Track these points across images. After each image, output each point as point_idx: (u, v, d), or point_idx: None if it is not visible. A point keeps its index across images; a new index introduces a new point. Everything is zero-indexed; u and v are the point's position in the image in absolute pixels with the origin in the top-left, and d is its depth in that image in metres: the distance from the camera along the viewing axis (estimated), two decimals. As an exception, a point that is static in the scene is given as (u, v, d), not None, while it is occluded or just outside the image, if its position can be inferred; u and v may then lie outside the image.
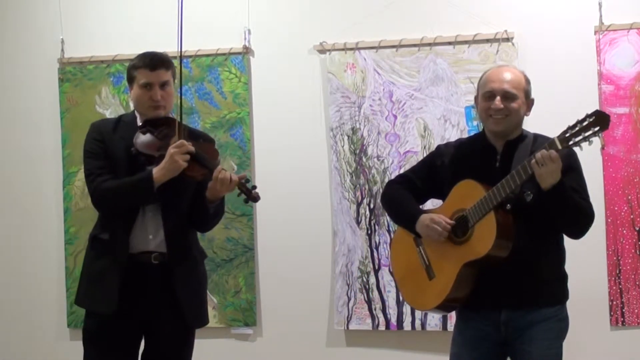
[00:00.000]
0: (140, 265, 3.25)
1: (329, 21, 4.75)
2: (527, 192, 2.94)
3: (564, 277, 3.12)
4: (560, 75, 4.43)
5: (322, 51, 4.73)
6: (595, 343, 4.40)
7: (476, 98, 3.18)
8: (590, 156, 4.33)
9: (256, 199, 3.20)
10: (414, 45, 4.60)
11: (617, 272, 4.38)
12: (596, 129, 2.78)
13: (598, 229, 4.32)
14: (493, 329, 3.05)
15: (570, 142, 2.81)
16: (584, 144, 2.82)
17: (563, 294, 3.11)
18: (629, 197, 4.38)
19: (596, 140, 4.37)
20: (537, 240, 3.00)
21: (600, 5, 4.39)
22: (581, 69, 4.42)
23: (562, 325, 3.07)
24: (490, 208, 2.95)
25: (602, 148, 4.36)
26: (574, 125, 2.81)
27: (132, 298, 3.23)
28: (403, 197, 3.24)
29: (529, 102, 3.11)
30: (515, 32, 4.47)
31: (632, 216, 4.37)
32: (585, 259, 4.27)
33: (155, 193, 3.19)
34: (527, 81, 3.11)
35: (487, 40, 4.50)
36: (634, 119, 4.37)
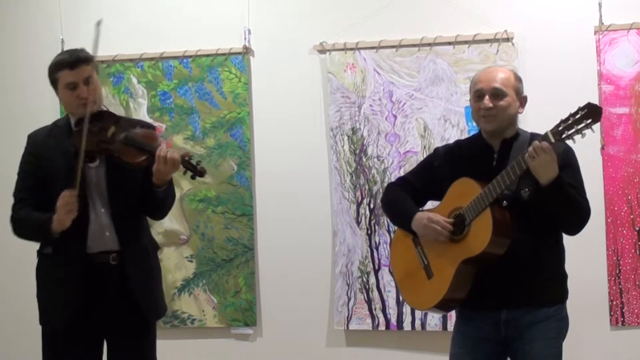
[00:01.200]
0: (98, 267, 3.23)
1: (329, 21, 4.75)
2: (524, 189, 2.95)
3: (564, 276, 3.12)
4: (560, 75, 4.44)
5: (322, 51, 4.73)
6: (595, 343, 4.40)
7: (470, 101, 3.19)
8: (590, 156, 4.36)
9: (202, 173, 3.17)
10: (414, 45, 4.60)
11: (617, 272, 4.38)
12: (588, 121, 2.78)
13: (598, 229, 4.33)
14: (493, 329, 3.05)
15: (563, 135, 2.82)
16: (577, 137, 2.82)
17: (563, 294, 3.11)
18: (629, 197, 4.38)
19: (596, 140, 4.40)
20: (536, 238, 3.00)
21: (600, 5, 4.39)
22: (581, 69, 4.42)
23: (562, 324, 3.07)
24: (486, 205, 2.96)
25: (602, 148, 4.36)
26: (567, 119, 2.82)
27: (91, 303, 3.21)
28: (400, 197, 3.25)
29: (521, 100, 3.11)
30: (515, 32, 4.47)
31: (632, 216, 4.37)
32: (585, 259, 4.27)
33: (53, 238, 3.17)
34: (518, 79, 3.11)
35: (487, 40, 4.50)
36: (634, 119, 4.37)
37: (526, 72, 4.40)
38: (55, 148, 3.28)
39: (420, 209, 3.26)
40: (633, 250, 4.37)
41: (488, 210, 2.95)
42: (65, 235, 3.20)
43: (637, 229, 4.37)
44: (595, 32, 4.41)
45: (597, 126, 4.36)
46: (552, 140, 2.83)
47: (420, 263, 3.17)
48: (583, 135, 2.81)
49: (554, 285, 3.07)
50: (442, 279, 3.06)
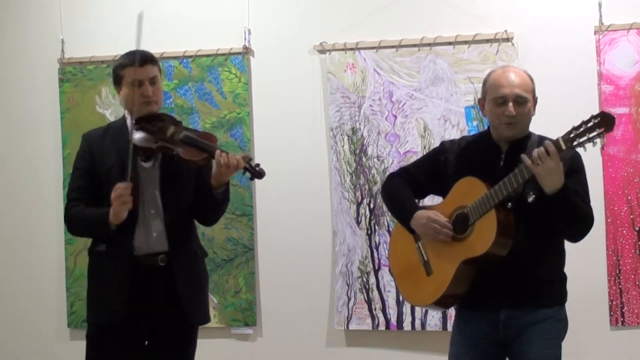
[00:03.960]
0: (146, 268, 3.23)
1: (329, 21, 4.75)
2: (530, 192, 2.94)
3: (563, 278, 3.11)
4: (560, 75, 4.43)
5: (322, 51, 4.73)
6: (595, 343, 4.40)
7: (480, 100, 3.16)
8: (590, 156, 4.34)
9: (261, 174, 3.21)
10: (414, 45, 4.60)
11: (617, 272, 4.38)
12: (601, 130, 2.76)
13: (598, 229, 4.32)
14: (492, 329, 3.05)
15: (575, 143, 2.80)
16: (588, 145, 2.81)
17: (562, 295, 3.11)
18: (629, 197, 4.38)
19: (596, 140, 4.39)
20: (538, 240, 3.00)
21: (600, 5, 4.39)
22: (581, 69, 4.42)
23: (560, 325, 3.07)
24: (491, 206, 2.95)
25: (602, 148, 4.36)
26: (579, 126, 2.80)
27: (137, 303, 3.22)
28: (401, 191, 3.22)
29: (535, 101, 3.10)
30: (515, 32, 4.47)
31: (632, 216, 4.37)
32: (585, 259, 4.27)
33: (111, 231, 3.18)
34: (532, 81, 3.09)
35: (487, 40, 4.50)
36: (634, 119, 4.37)
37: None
38: (110, 146, 3.29)
39: (420, 201, 3.25)
40: (633, 250, 4.37)
41: (493, 212, 2.94)
42: (115, 234, 3.22)
43: (637, 229, 4.37)
44: (595, 32, 4.41)
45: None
46: (564, 147, 2.80)
47: (419, 259, 3.17)
48: (594, 144, 2.80)
49: (553, 287, 3.06)
50: (442, 277, 3.06)
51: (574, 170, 2.97)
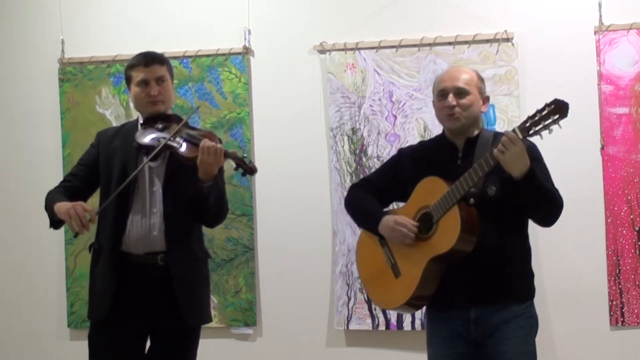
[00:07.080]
0: (144, 267, 3.25)
1: (329, 21, 4.75)
2: (490, 186, 2.96)
3: (530, 274, 3.14)
4: (560, 75, 4.44)
5: (322, 51, 4.73)
6: (595, 343, 4.40)
7: (433, 102, 3.22)
8: (590, 156, 4.35)
9: (254, 170, 3.16)
10: (414, 45, 4.61)
11: (617, 272, 4.38)
12: (555, 117, 2.80)
13: (598, 229, 4.33)
14: (464, 329, 3.05)
15: (531, 132, 2.84)
16: (544, 133, 2.84)
17: (530, 291, 3.13)
18: (629, 197, 4.38)
19: (596, 140, 4.40)
20: (503, 236, 3.02)
21: (600, 5, 4.39)
22: (581, 69, 4.42)
23: (532, 322, 3.09)
24: (453, 202, 2.97)
25: (602, 148, 4.36)
26: (534, 115, 2.84)
27: (133, 302, 3.23)
28: (364, 199, 3.27)
29: (484, 99, 3.16)
30: (515, 32, 4.48)
31: (632, 216, 4.37)
32: (585, 259, 4.27)
33: (57, 221, 3.28)
34: (480, 79, 3.17)
35: (487, 40, 4.50)
36: (634, 119, 4.37)
37: (526, 72, 4.41)
38: (119, 146, 3.35)
39: (385, 209, 3.26)
40: (633, 250, 4.37)
41: (455, 208, 2.97)
42: (106, 233, 3.28)
43: (637, 229, 4.37)
44: (595, 32, 4.41)
45: (597, 126, 4.40)
46: (520, 136, 2.85)
47: (387, 262, 3.18)
48: (550, 131, 2.83)
49: (521, 283, 3.09)
50: (410, 278, 3.07)
51: (533, 159, 2.98)
